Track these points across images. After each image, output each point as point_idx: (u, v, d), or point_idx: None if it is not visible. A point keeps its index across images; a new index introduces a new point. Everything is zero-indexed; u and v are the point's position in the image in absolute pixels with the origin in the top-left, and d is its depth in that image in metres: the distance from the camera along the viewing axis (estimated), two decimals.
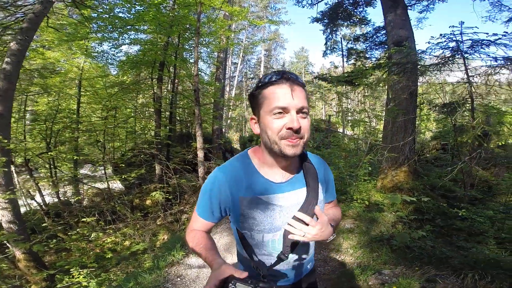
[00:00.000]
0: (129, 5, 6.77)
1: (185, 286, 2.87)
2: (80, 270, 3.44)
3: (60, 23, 7.50)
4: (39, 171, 7.83)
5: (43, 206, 6.27)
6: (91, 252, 4.82)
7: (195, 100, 6.16)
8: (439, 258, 2.81)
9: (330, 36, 9.89)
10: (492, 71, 3.44)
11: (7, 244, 3.93)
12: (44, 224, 5.41)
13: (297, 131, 0.76)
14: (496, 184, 5.75)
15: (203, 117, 9.58)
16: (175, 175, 6.42)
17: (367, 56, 9.24)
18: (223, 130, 15.26)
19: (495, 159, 6.40)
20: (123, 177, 5.93)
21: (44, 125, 7.04)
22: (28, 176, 6.89)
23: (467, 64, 3.70)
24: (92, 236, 4.78)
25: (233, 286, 0.67)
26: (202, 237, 0.94)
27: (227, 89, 20.96)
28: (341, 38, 14.31)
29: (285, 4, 25.00)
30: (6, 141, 3.84)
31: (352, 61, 9.70)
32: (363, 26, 9.90)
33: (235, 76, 24.39)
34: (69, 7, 7.59)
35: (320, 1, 8.15)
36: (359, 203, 4.31)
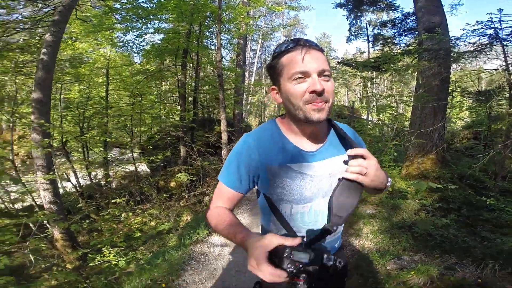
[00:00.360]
0: None
1: (208, 263, 3.06)
2: (110, 249, 3.61)
3: (86, 15, 7.82)
4: (72, 154, 8.44)
5: (78, 188, 6.79)
6: (121, 232, 5.04)
7: (219, 85, 6.26)
8: (461, 247, 2.76)
9: (354, 21, 9.52)
10: None
11: (47, 225, 4.14)
12: (79, 205, 5.80)
13: (321, 94, 0.74)
14: None
15: (225, 102, 9.76)
16: (199, 157, 6.64)
17: (395, 42, 8.78)
18: (243, 115, 15.44)
19: None
20: (150, 159, 6.23)
21: (77, 111, 7.52)
22: (63, 160, 7.47)
23: (506, 52, 3.44)
24: (122, 216, 5.10)
25: (289, 255, 0.60)
26: (225, 213, 0.88)
27: (247, 75, 20.88)
28: (366, 23, 13.68)
29: None
30: (48, 125, 4.16)
31: (379, 47, 9.27)
32: (390, 12, 9.35)
33: (254, 62, 24.16)
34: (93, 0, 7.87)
35: None
36: None
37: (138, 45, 9.00)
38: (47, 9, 5.79)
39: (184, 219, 5.43)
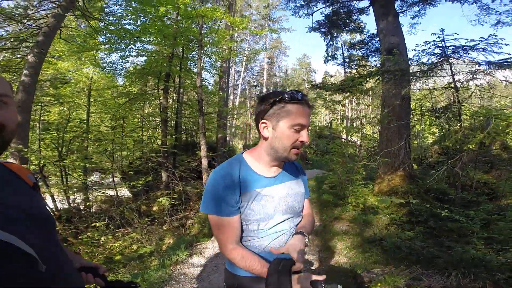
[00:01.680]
0: (134, 17, 7.16)
1: (187, 283, 3.10)
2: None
3: (70, 34, 7.94)
4: (50, 178, 8.20)
5: (55, 212, 6.58)
6: (100, 256, 5.03)
7: (199, 110, 6.46)
8: (426, 257, 2.97)
9: (330, 42, 10.11)
10: (473, 76, 3.65)
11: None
12: (56, 229, 5.66)
13: (304, 144, 0.96)
14: (498, 187, 5.84)
15: (208, 126, 9.90)
16: (181, 182, 6.70)
17: (365, 62, 9.45)
18: (228, 138, 15.54)
19: (492, 162, 6.49)
20: (131, 184, 6.22)
21: (56, 134, 7.42)
22: (40, 183, 7.24)
23: (453, 70, 3.91)
24: (102, 240, 5.02)
25: (325, 286, 0.81)
26: (245, 251, 0.99)
27: (231, 97, 21.31)
28: (341, 44, 14.56)
29: (286, 12, 25.53)
30: (26, 150, 4.14)
31: (350, 69, 9.91)
32: (359, 33, 10.14)
33: (238, 84, 24.79)
34: (78, 19, 8.02)
35: (315, 11, 8.44)
36: (353, 206, 4.49)
37: (121, 67, 9.14)
38: (32, 29, 5.85)
39: (166, 242, 5.38)
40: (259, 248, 1.02)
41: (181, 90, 9.40)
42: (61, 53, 8.08)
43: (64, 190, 6.68)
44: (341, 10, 8.27)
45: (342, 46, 15.55)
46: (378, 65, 7.97)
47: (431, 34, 4.19)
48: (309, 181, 7.31)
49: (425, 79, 4.68)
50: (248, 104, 27.31)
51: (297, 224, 1.11)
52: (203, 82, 9.49)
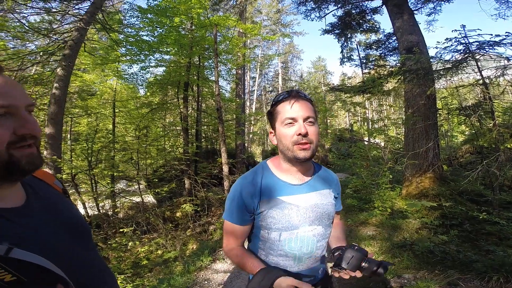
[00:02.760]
0: (151, 28, 7.44)
1: None
2: (117, 276, 3.78)
3: (93, 47, 8.38)
4: (81, 186, 8.65)
5: (86, 218, 6.92)
6: (128, 260, 5.19)
7: (218, 118, 6.55)
8: (463, 262, 2.79)
9: (345, 43, 9.93)
10: (503, 71, 3.43)
11: None
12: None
13: (305, 135, 0.91)
14: None
15: (226, 133, 10.03)
16: (202, 189, 6.81)
17: (383, 62, 9.19)
18: (246, 144, 15.64)
19: None
20: (156, 191, 6.43)
21: (85, 145, 7.85)
22: (72, 191, 7.66)
23: (480, 66, 3.69)
24: (129, 245, 5.19)
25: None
26: (240, 251, 1.04)
27: (247, 103, 21.50)
28: (356, 45, 14.27)
29: (297, 16, 25.52)
30: (59, 160, 4.41)
31: (367, 70, 9.67)
32: (374, 33, 9.91)
33: (254, 90, 24.99)
34: (99, 32, 8.44)
35: (327, 14, 8.36)
36: (380, 210, 4.32)
37: (142, 78, 9.48)
38: (58, 43, 6.21)
39: (190, 247, 5.47)
40: (283, 266, 1.00)
41: (200, 98, 9.62)
42: (86, 66, 8.57)
43: (94, 197, 7.00)
44: (354, 11, 8.12)
45: (357, 47, 15.25)
46: (397, 64, 7.71)
47: (452, 31, 3.99)
48: None
49: (450, 76, 4.46)
50: (264, 109, 27.40)
51: (325, 236, 1.05)
52: (220, 90, 9.68)
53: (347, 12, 8.07)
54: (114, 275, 0.80)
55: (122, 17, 7.83)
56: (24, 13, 6.07)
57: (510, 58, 3.49)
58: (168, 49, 8.15)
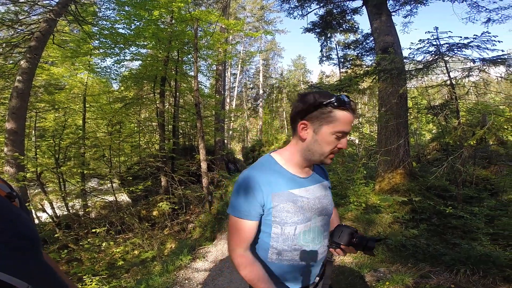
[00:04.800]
0: (128, 21, 7.08)
1: (192, 287, 3.05)
2: (92, 278, 3.59)
3: (63, 39, 7.85)
4: (47, 185, 8.08)
5: (54, 218, 6.49)
6: (102, 261, 4.98)
7: (196, 114, 6.41)
8: (433, 255, 2.96)
9: (325, 43, 10.13)
10: (468, 73, 3.68)
11: None
12: (56, 235, 5.60)
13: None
14: (498, 182, 5.87)
15: (205, 130, 9.84)
16: (180, 186, 6.64)
17: (360, 62, 9.49)
18: (225, 141, 15.49)
19: (490, 157, 6.53)
20: (130, 189, 6.16)
21: (52, 141, 7.33)
22: (37, 190, 7.14)
23: (448, 67, 3.93)
24: (103, 246, 4.94)
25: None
26: (261, 272, 0.94)
27: (228, 100, 21.28)
28: (335, 44, 14.62)
29: (280, 13, 25.55)
30: (22, 157, 4.07)
31: (345, 69, 9.94)
32: (353, 33, 10.21)
33: (235, 86, 24.78)
34: (71, 24, 7.91)
35: (309, 12, 8.46)
36: (355, 205, 4.47)
37: (116, 71, 9.02)
38: (24, 34, 5.76)
39: (168, 246, 5.35)
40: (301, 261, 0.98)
41: (178, 94, 9.34)
42: (55, 59, 8.01)
43: (62, 196, 6.59)
44: (335, 11, 8.30)
45: (336, 46, 15.63)
46: (373, 64, 8.02)
47: (426, 33, 4.21)
48: None
49: (421, 77, 4.70)
50: (245, 106, 27.31)
51: (329, 225, 1.09)
52: (200, 86, 9.45)
53: (328, 11, 8.21)
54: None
55: (97, 9, 7.37)
56: None
57: (475, 60, 3.74)
58: (145, 43, 7.83)
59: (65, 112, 8.45)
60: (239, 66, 23.74)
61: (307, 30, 8.66)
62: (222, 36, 9.17)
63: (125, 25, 7.24)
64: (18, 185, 4.08)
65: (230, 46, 13.55)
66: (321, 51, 10.79)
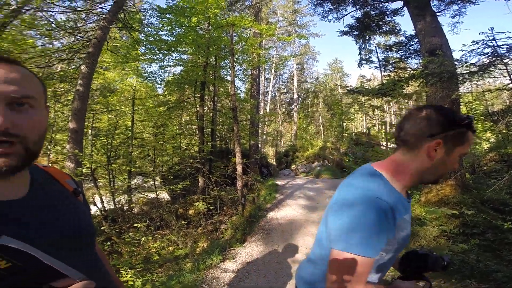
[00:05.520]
0: (170, 27, 7.60)
1: (219, 287, 3.13)
2: (128, 270, 3.75)
3: (115, 46, 8.61)
4: (99, 180, 8.95)
5: (103, 212, 7.14)
6: (139, 255, 5.23)
7: (233, 118, 6.57)
8: (483, 271, 2.65)
9: (363, 45, 9.74)
10: None
11: None
12: (102, 228, 6.11)
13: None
14: None
15: (241, 133, 10.07)
16: (216, 187, 6.87)
17: (403, 65, 8.93)
18: (259, 145, 15.63)
19: None
20: (171, 188, 6.55)
21: (105, 140, 8.14)
22: (91, 184, 7.95)
23: (509, 70, 3.49)
24: (142, 240, 5.28)
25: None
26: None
27: (262, 104, 21.48)
28: (375, 47, 13.95)
29: (313, 16, 25.16)
30: (81, 154, 4.59)
31: (386, 72, 9.41)
32: (394, 35, 9.65)
33: (268, 91, 24.93)
34: (121, 31, 8.66)
35: (345, 15, 8.23)
36: None
37: (160, 76, 9.74)
38: (83, 41, 6.44)
39: (200, 245, 5.52)
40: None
41: (216, 98, 9.73)
42: (108, 64, 8.88)
43: (111, 191, 7.23)
44: (373, 12, 7.94)
45: (376, 49, 14.91)
46: (419, 67, 7.47)
47: (479, 33, 3.81)
48: None
49: (476, 80, 4.25)
50: (279, 110, 27.28)
51: None
52: (236, 90, 9.75)
53: (366, 14, 7.91)
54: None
55: (142, 17, 8.07)
56: (51, 11, 6.32)
57: None
58: (186, 49, 8.30)
59: (116, 114, 9.32)
60: (273, 70, 23.88)
61: (344, 33, 8.43)
62: (256, 41, 9.36)
63: (167, 31, 7.80)
64: (77, 179, 4.58)
65: (264, 51, 13.76)
66: (359, 54, 10.39)
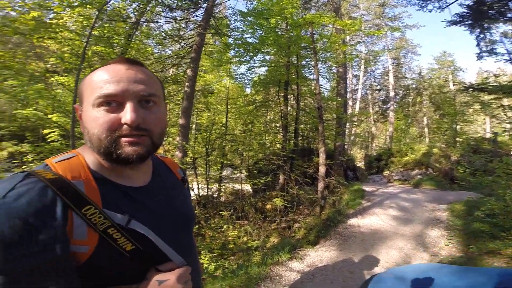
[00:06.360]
0: (252, 30, 8.11)
1: (280, 285, 3.23)
2: (207, 253, 4.22)
3: (210, 50, 9.68)
4: (198, 169, 10.47)
5: (198, 197, 8.37)
6: (218, 241, 5.62)
7: (319, 117, 6.45)
8: None
9: (481, 35, 7.83)
10: None
11: None
12: (195, 211, 7.13)
13: None
14: None
15: (326, 133, 9.83)
16: (295, 186, 7.02)
17: None
18: (346, 146, 14.74)
19: None
20: (254, 181, 7.11)
21: (205, 135, 9.46)
22: (191, 172, 9.45)
23: None
24: (224, 227, 5.82)
25: None
26: None
27: (350, 103, 19.99)
28: (500, 36, 10.77)
29: (406, 8, 21.21)
30: (187, 146, 5.57)
31: None
32: None
33: (357, 89, 22.88)
34: (213, 36, 9.58)
35: (450, 4, 6.74)
36: None
37: (248, 77, 10.63)
38: (186, 47, 7.34)
39: (272, 240, 5.71)
40: None
41: (299, 97, 9.80)
42: (206, 67, 10.20)
43: (207, 180, 8.40)
44: None
45: (503, 39, 11.47)
46: None
47: None
48: (456, 205, 5.97)
49: None
50: (371, 109, 24.72)
51: None
52: (320, 89, 9.54)
53: (479, 1, 6.38)
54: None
55: (228, 22, 8.89)
56: (160, 22, 7.72)
57: None
58: (268, 50, 8.70)
59: (214, 112, 10.69)
60: (362, 67, 21.80)
61: (453, 23, 7.01)
62: (339, 37, 8.84)
63: (251, 34, 8.33)
64: (183, 167, 5.59)
65: (350, 47, 12.74)
66: (477, 45, 8.35)
